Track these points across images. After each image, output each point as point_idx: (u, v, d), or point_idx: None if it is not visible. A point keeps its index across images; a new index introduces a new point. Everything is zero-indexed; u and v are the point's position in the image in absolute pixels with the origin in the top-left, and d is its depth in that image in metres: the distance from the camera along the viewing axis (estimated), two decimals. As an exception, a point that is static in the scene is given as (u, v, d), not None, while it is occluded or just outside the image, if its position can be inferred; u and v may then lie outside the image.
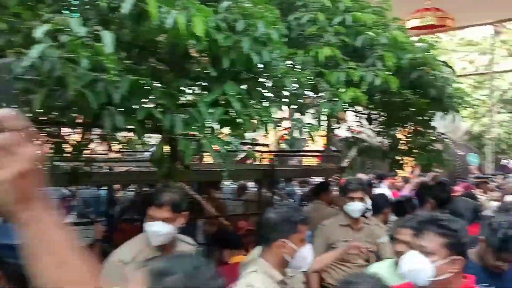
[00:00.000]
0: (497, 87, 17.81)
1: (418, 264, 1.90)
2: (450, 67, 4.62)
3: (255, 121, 2.69)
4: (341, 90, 3.23)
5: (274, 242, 2.20)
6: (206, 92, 2.65)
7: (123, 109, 2.23)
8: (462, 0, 10.71)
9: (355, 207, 3.54)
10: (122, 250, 2.55)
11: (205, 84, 2.69)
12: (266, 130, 2.80)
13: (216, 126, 2.60)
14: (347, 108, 4.62)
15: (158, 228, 2.44)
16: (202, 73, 2.60)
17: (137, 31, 2.30)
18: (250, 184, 7.42)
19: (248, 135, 3.00)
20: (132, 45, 2.53)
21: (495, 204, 5.75)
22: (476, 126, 17.36)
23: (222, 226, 4.77)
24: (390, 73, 3.54)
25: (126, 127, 2.37)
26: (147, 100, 2.35)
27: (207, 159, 6.21)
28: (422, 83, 4.17)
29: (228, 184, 8.44)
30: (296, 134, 3.10)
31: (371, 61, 3.50)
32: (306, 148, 9.76)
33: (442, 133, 4.88)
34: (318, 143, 7.89)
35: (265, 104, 2.89)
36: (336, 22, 3.36)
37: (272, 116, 3.12)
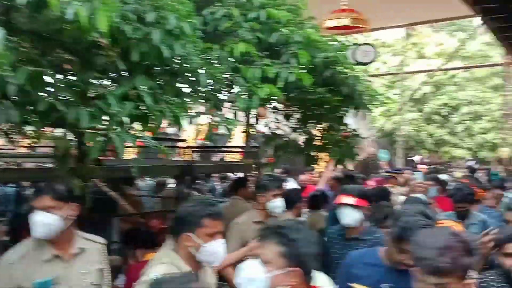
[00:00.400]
0: (407, 87, 18.96)
1: (254, 273, 1.81)
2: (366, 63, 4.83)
3: (169, 117, 2.64)
4: (257, 86, 3.26)
5: (180, 235, 2.18)
6: (116, 85, 2.55)
7: (21, 102, 2.09)
8: (376, 3, 11.28)
9: (278, 204, 3.60)
10: (11, 251, 2.44)
11: (114, 77, 2.58)
12: (180, 126, 2.75)
13: (127, 121, 2.52)
14: (264, 104, 4.70)
15: (39, 218, 2.33)
16: (111, 66, 2.49)
17: (37, 21, 2.16)
18: (172, 180, 7.30)
19: (171, 130, 2.95)
20: (36, 34, 2.37)
21: (403, 198, 6.09)
22: (388, 124, 18.34)
23: (136, 224, 4.65)
24: (304, 70, 3.64)
25: (27, 121, 2.22)
26: (48, 93, 2.21)
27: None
28: (335, 81, 4.33)
29: (147, 181, 8.26)
30: (220, 129, 3.09)
31: (285, 58, 3.56)
32: (229, 144, 9.80)
33: (354, 130, 5.10)
34: (240, 139, 7.96)
35: (179, 99, 2.84)
36: (251, 18, 3.37)
37: (188, 112, 3.09)
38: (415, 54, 20.87)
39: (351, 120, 5.05)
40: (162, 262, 2.15)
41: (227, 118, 3.01)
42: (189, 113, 2.99)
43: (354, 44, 13.70)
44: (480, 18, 7.37)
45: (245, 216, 3.71)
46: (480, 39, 19.56)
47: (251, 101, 3.19)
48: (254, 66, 3.32)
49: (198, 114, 2.96)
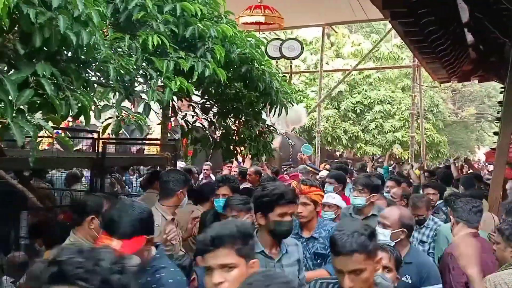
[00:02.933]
0: (325, 84, 19.67)
1: None
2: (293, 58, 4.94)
3: (75, 107, 2.53)
4: (170, 79, 3.22)
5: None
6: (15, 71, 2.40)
7: None
8: (294, 1, 11.57)
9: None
10: None
11: (13, 62, 2.43)
12: (88, 117, 2.65)
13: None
14: (181, 97, 4.66)
15: None
16: (10, 50, 2.34)
17: None
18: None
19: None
20: None
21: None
22: (306, 120, 18.92)
23: (44, 218, 4.42)
24: (220, 65, 3.65)
25: None
26: None
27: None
28: (251, 77, 4.40)
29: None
30: (126, 122, 3.01)
31: (201, 52, 3.55)
32: (149, 137, 9.59)
33: (271, 125, 5.21)
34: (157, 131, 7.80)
35: (87, 90, 2.74)
36: (166, 11, 3.32)
37: (97, 102, 2.98)
38: (333, 54, 21.70)
39: (271, 116, 5.16)
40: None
41: (137, 112, 2.94)
42: (98, 105, 2.90)
43: (278, 39, 13.99)
44: (389, 21, 7.82)
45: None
46: (393, 41, 20.77)
47: (164, 94, 3.15)
48: (168, 59, 3.27)
49: (106, 106, 2.86)
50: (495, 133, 7.58)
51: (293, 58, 13.95)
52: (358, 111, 20.06)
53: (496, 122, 11.27)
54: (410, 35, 8.70)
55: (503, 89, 8.06)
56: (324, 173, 6.46)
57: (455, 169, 7.10)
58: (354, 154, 21.13)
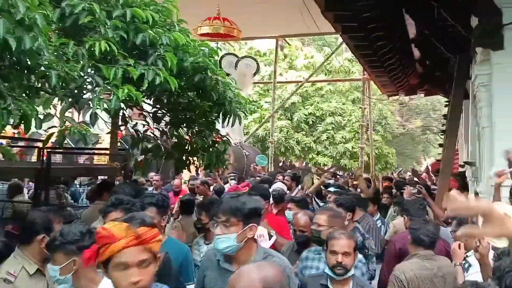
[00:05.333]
0: (279, 96, 19.87)
1: None
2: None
3: (16, 115, 2.39)
4: (118, 87, 3.12)
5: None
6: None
7: None
8: (249, 13, 11.66)
9: None
10: None
11: None
12: (28, 125, 2.51)
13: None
14: (131, 106, 4.53)
15: None
16: None
17: None
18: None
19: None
20: None
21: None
22: (260, 130, 19.00)
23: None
24: (172, 73, 3.58)
25: None
26: None
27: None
28: (205, 87, 4.34)
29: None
30: (70, 133, 2.88)
31: (152, 60, 3.47)
32: (98, 146, 9.29)
33: (224, 135, 5.16)
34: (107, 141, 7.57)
35: (29, 97, 2.60)
36: (115, 16, 3.22)
37: (39, 110, 2.83)
38: (286, 65, 21.98)
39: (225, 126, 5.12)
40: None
41: (82, 121, 2.82)
42: (41, 113, 2.76)
43: (233, 55, 14.00)
44: (340, 35, 7.99)
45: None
46: (344, 55, 21.30)
47: (110, 102, 3.04)
48: (116, 66, 3.17)
49: (48, 115, 2.72)
50: (440, 145, 7.87)
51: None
52: (311, 122, 20.37)
53: (441, 135, 11.72)
54: (360, 49, 8.92)
55: (447, 103, 8.40)
56: (279, 185, 6.44)
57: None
58: (306, 164, 21.40)
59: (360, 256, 3.25)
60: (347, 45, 9.12)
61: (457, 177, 6.87)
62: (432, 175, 9.16)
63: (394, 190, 7.99)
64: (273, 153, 17.54)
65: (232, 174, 9.77)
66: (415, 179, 9.42)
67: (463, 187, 6.37)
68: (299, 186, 6.78)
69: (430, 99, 21.48)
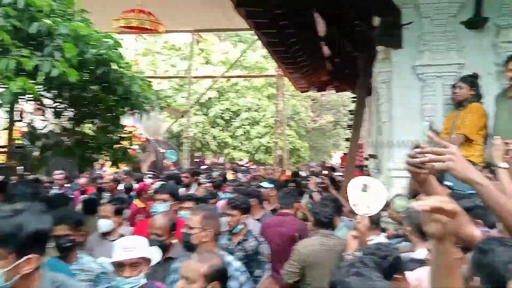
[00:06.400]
0: (195, 91, 19.69)
1: None
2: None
3: None
4: (10, 79, 2.88)
5: None
6: None
7: None
8: (165, 6, 11.37)
9: None
10: None
11: None
12: None
13: None
14: (29, 100, 4.22)
15: None
16: None
17: None
18: None
19: None
20: None
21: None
22: (175, 126, 18.73)
23: None
24: (73, 66, 3.37)
25: None
26: None
27: None
28: (109, 80, 4.15)
29: None
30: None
31: (49, 50, 3.24)
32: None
33: (130, 132, 4.98)
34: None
35: None
36: (6, 3, 2.97)
37: None
38: (202, 60, 21.84)
39: (137, 121, 4.94)
40: None
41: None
42: None
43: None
44: (254, 31, 8.06)
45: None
46: (259, 51, 21.58)
47: (3, 96, 2.80)
48: (9, 57, 2.92)
49: None
50: (347, 139, 8.22)
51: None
52: (227, 117, 20.45)
53: (348, 129, 12.26)
54: (273, 46, 9.06)
55: (354, 99, 8.80)
56: None
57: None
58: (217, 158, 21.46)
59: (237, 264, 2.88)
60: (261, 41, 9.22)
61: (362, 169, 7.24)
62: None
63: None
64: (189, 148, 17.37)
65: (150, 172, 9.54)
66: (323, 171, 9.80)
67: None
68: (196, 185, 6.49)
69: (340, 95, 22.42)
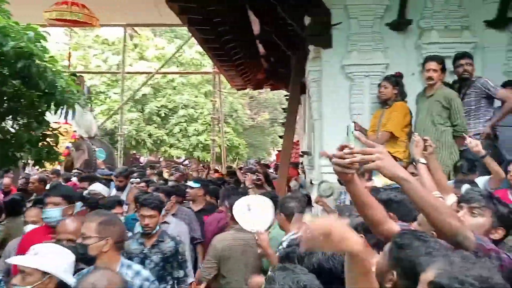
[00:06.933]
0: (128, 87, 19.17)
1: None
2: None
3: None
4: None
5: None
6: None
7: None
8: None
9: None
10: None
11: None
12: None
13: None
14: None
15: None
16: None
17: None
18: None
19: None
20: None
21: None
22: (109, 123, 18.15)
23: None
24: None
25: None
26: None
27: None
28: (31, 75, 3.94)
29: None
30: None
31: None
32: None
33: (55, 129, 4.75)
34: None
35: None
36: None
37: None
38: (137, 55, 21.31)
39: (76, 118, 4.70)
40: None
41: None
42: None
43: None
44: (187, 27, 7.96)
45: None
46: (196, 47, 21.36)
47: None
48: None
49: None
50: (280, 137, 8.34)
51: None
52: (163, 114, 20.09)
53: (283, 127, 12.44)
54: (207, 42, 9.00)
55: (287, 97, 8.95)
56: (97, 186, 5.63)
57: (240, 174, 7.69)
58: (158, 157, 21.10)
59: (146, 273, 2.69)
60: (195, 38, 9.14)
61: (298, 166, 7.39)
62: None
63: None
64: (123, 146, 16.91)
65: (77, 171, 9.15)
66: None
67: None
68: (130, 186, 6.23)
69: (276, 93, 22.74)
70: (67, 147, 10.42)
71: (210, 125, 19.20)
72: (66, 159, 10.02)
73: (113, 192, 6.03)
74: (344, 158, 1.59)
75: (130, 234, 3.87)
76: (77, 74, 13.14)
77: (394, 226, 1.76)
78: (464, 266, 1.17)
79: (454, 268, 1.17)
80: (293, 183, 7.53)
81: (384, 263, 1.54)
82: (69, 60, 15.03)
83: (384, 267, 1.53)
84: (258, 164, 8.92)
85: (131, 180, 5.93)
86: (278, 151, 11.15)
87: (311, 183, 6.15)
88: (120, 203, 4.47)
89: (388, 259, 1.53)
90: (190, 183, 5.40)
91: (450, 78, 4.91)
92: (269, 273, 1.63)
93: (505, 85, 4.66)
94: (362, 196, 1.72)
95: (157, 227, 3.68)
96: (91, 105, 11.32)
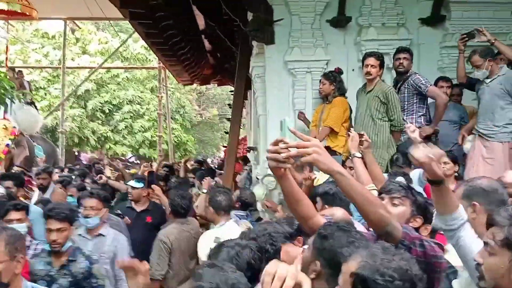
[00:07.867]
0: (70, 82, 18.48)
1: None
2: None
3: None
4: None
5: None
6: None
7: None
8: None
9: None
10: None
11: None
12: None
13: None
14: None
15: None
16: None
17: None
18: None
19: None
20: None
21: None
22: (49, 120, 17.43)
23: None
24: None
25: None
26: None
27: None
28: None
29: None
30: None
31: None
32: None
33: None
34: None
35: None
36: None
37: None
38: (79, 50, 20.58)
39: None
40: None
41: None
42: None
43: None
44: (129, 21, 7.78)
45: None
46: (141, 42, 20.87)
47: None
48: None
49: None
50: (226, 132, 8.33)
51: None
52: (107, 110, 19.53)
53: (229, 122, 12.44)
54: (151, 37, 8.85)
55: (232, 93, 8.94)
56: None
57: (183, 169, 7.61)
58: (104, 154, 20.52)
59: None
60: (137, 32, 8.95)
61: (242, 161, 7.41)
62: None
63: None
64: (65, 144, 16.30)
65: (17, 168, 8.72)
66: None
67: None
68: (53, 185, 5.76)
69: (224, 88, 22.66)
70: (7, 145, 9.91)
71: (156, 121, 18.87)
72: (5, 157, 9.53)
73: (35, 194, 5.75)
74: (279, 153, 1.59)
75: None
76: (16, 69, 12.56)
77: (321, 219, 1.80)
78: (385, 258, 1.22)
79: (376, 260, 1.22)
80: (239, 177, 7.55)
81: (309, 254, 1.57)
82: (6, 54, 14.32)
83: (308, 258, 1.56)
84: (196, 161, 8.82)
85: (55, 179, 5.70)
86: (224, 146, 11.14)
87: (256, 178, 6.19)
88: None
89: (312, 249, 1.57)
90: (131, 182, 5.11)
91: (388, 75, 5.08)
92: (196, 270, 1.62)
93: (438, 80, 4.86)
94: (293, 192, 1.74)
95: (68, 243, 3.02)
96: (32, 100, 10.78)
